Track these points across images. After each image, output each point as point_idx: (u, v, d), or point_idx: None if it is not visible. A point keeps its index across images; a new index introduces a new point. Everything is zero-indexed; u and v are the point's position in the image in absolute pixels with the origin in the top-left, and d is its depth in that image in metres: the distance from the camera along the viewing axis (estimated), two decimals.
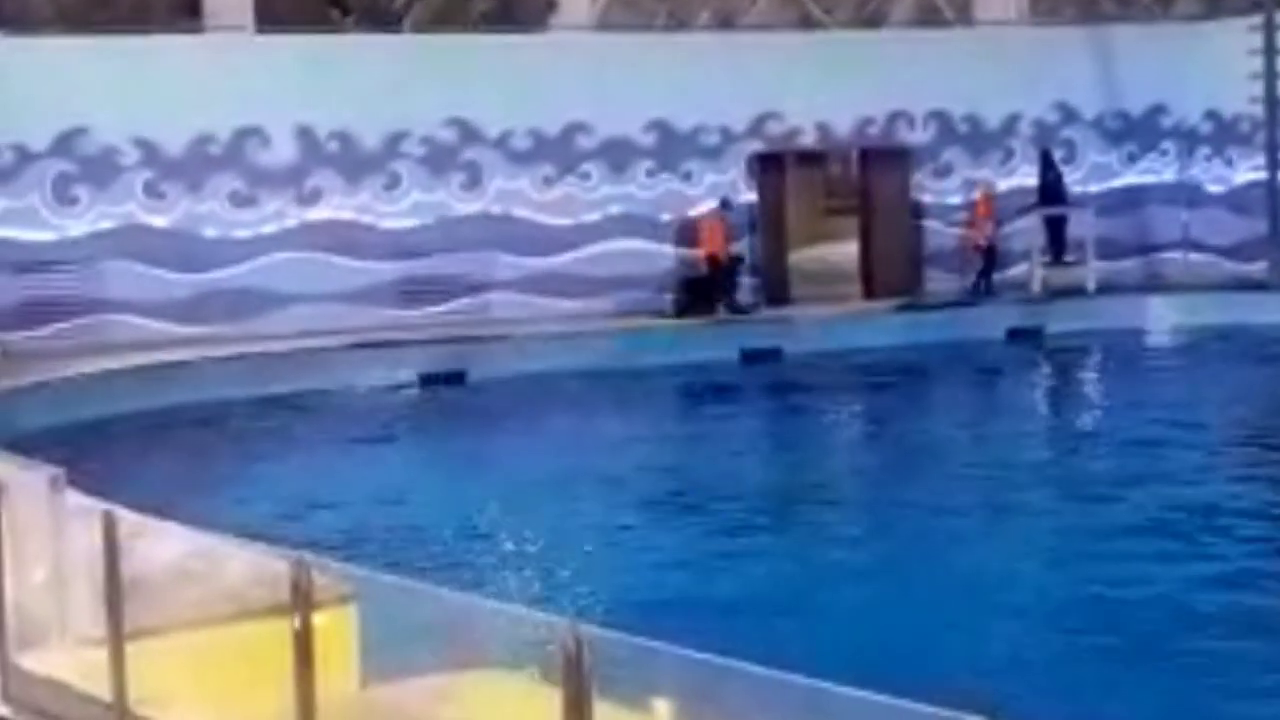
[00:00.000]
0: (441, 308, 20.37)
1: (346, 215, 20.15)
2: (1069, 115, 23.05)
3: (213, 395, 16.83)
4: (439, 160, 20.43)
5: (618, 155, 21.09)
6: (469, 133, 20.53)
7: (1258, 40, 21.70)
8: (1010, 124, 22.79)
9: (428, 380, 18.27)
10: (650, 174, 21.30)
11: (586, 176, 21.03)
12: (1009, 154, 22.77)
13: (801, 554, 11.19)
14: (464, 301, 20.50)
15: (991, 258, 21.75)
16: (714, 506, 12.47)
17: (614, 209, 21.12)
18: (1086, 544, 11.13)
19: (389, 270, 20.20)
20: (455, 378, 18.39)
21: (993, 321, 20.73)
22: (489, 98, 20.31)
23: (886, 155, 22.34)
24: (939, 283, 22.24)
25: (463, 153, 20.54)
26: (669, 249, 21.30)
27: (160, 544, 6.08)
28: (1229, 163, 23.14)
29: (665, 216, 21.33)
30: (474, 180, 20.59)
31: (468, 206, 20.58)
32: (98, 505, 6.14)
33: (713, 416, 17.25)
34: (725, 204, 21.11)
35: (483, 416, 17.04)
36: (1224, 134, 23.14)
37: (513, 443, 15.68)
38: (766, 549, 11.37)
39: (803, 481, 13.92)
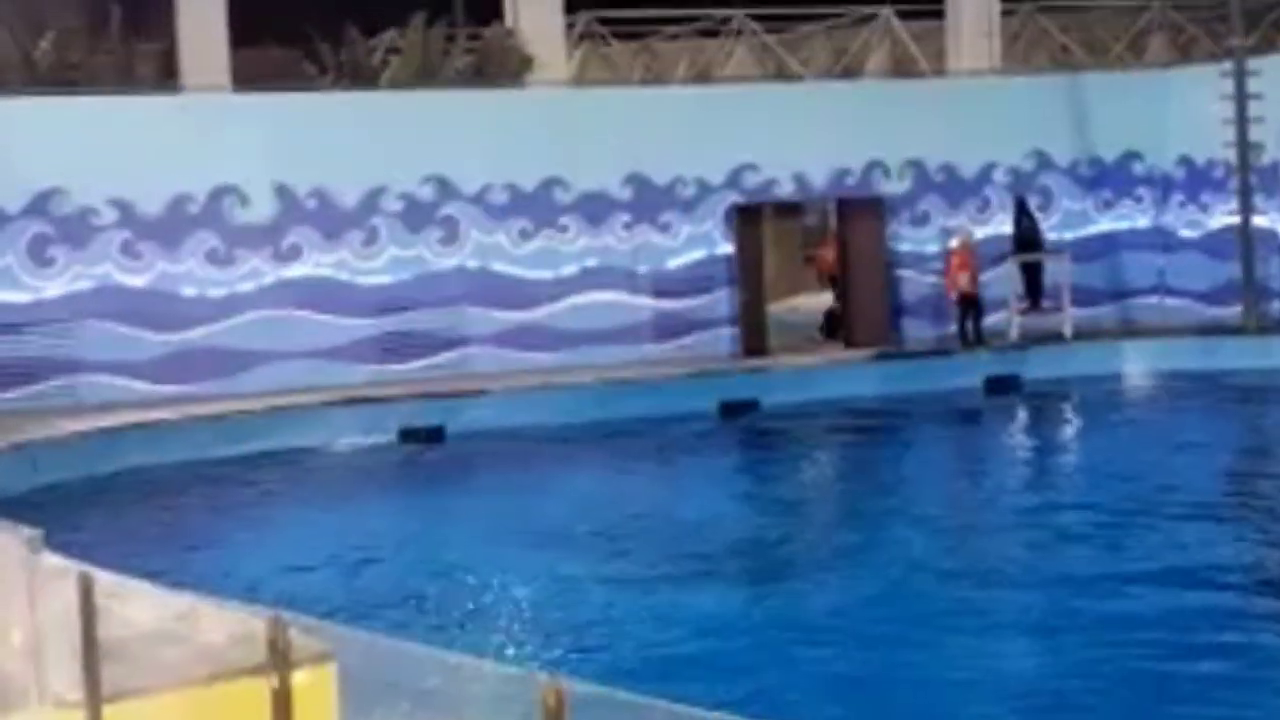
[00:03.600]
0: (420, 363, 20.37)
1: (324, 272, 20.16)
2: (1044, 163, 23.20)
3: (190, 455, 16.77)
4: (416, 216, 20.48)
5: (595, 208, 21.17)
6: (446, 188, 20.59)
7: (1229, 86, 21.89)
8: (986, 173, 22.94)
9: (407, 436, 18.23)
10: (627, 226, 21.38)
11: (564, 229, 21.10)
12: (985, 202, 22.90)
13: (777, 612, 11.13)
14: (443, 356, 20.50)
15: (975, 306, 21.79)
16: (683, 562, 12.34)
17: (591, 261, 21.18)
18: (1062, 592, 11.12)
19: (367, 326, 20.20)
20: (434, 433, 18.35)
21: (971, 369, 20.77)
22: (466, 153, 20.39)
23: (862, 205, 22.45)
24: (917, 332, 22.31)
25: (440, 208, 20.59)
26: (647, 300, 21.35)
27: (137, 605, 6.03)
28: (1203, 208, 23.31)
29: (642, 268, 21.39)
30: (451, 235, 20.64)
31: (445, 261, 20.62)
32: (75, 567, 6.09)
33: (690, 469, 17.19)
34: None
35: (460, 472, 16.99)
36: (1197, 180, 23.31)
37: (490, 499, 15.63)
38: (735, 605, 11.29)
39: (778, 536, 13.85)
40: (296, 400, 18.53)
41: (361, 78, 21.31)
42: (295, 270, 20.03)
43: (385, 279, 20.36)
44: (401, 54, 21.66)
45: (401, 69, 21.49)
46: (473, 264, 20.70)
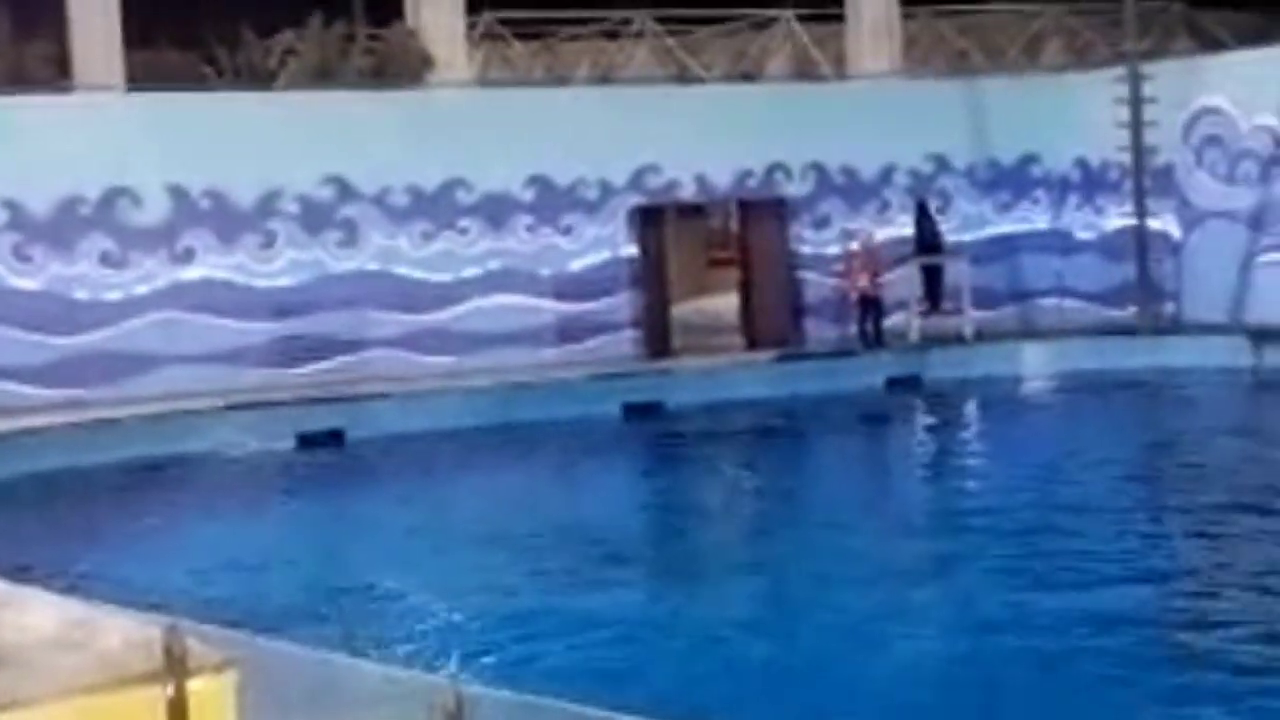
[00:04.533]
0: (319, 366, 20.11)
1: (221, 274, 19.85)
2: (943, 166, 23.40)
3: (81, 461, 16.41)
4: (315, 218, 20.22)
5: (497, 210, 21.03)
6: (346, 190, 20.35)
7: (1124, 90, 22.21)
8: (885, 175, 23.09)
9: (305, 440, 17.98)
10: (530, 229, 21.26)
11: (465, 232, 20.94)
12: (885, 204, 23.05)
13: (681, 614, 11.07)
14: (342, 360, 20.26)
15: (876, 307, 21.92)
16: (585, 565, 12.25)
17: (493, 264, 21.04)
18: (957, 593, 11.18)
19: (265, 329, 19.91)
20: (334, 437, 18.12)
21: (872, 370, 20.90)
22: (366, 155, 20.17)
23: (764, 207, 22.51)
24: (819, 332, 22.40)
25: (340, 210, 20.36)
26: (550, 303, 21.26)
27: (31, 612, 5.86)
28: (1099, 210, 23.63)
29: (545, 271, 21.29)
30: (351, 237, 20.41)
31: (345, 264, 20.38)
32: None
33: (591, 471, 17.12)
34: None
35: (360, 477, 16.78)
36: (1093, 182, 23.63)
37: (391, 503, 15.44)
38: (638, 607, 11.21)
39: (677, 536, 13.83)
40: (191, 404, 18.21)
41: (258, 79, 21.01)
42: (190, 273, 19.70)
43: (283, 281, 20.08)
44: (299, 55, 21.38)
45: (300, 70, 21.22)
46: (373, 266, 20.47)
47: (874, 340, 21.75)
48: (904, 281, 22.38)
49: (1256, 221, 21.75)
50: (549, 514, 14.60)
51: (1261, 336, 20.74)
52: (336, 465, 17.43)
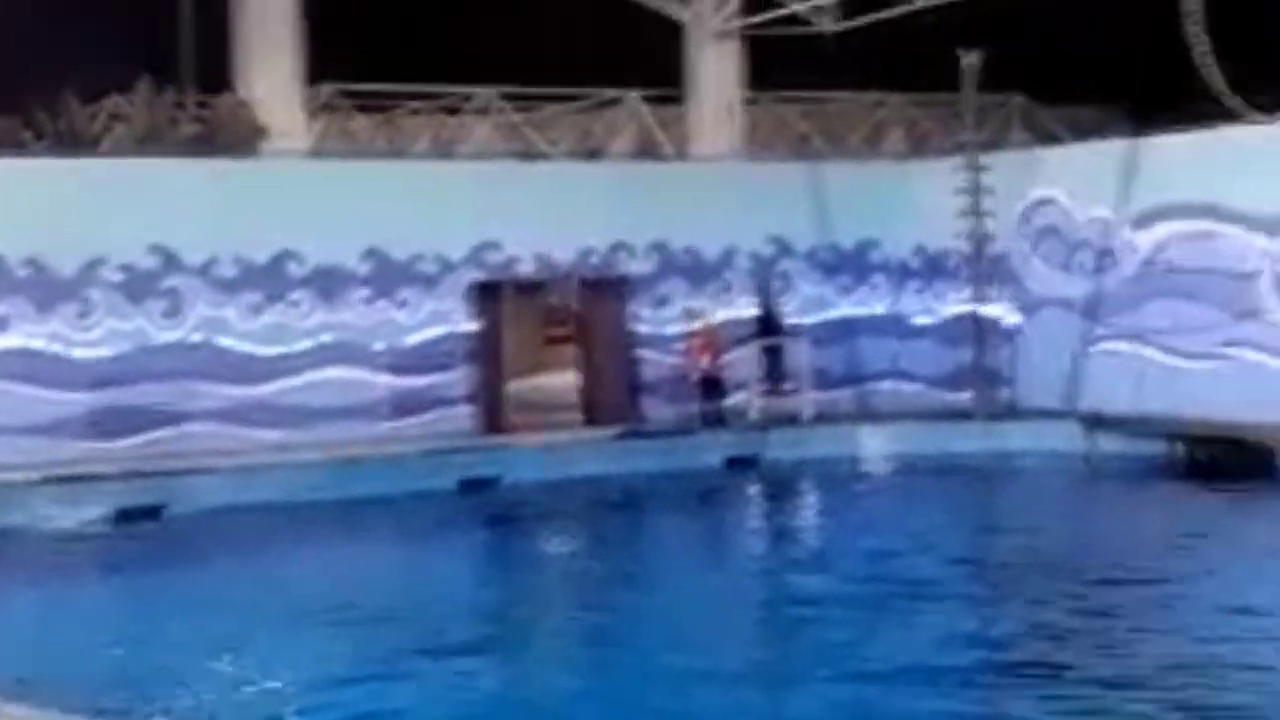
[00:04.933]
0: (139, 439, 19.37)
1: (37, 344, 19.08)
2: (784, 248, 23.46)
3: None
4: (138, 287, 19.58)
5: (330, 283, 20.56)
6: (170, 259, 19.75)
7: (963, 179, 22.50)
8: (727, 256, 23.06)
9: (123, 515, 17.26)
10: (366, 302, 20.82)
11: (297, 304, 20.42)
12: (727, 285, 23.00)
13: (508, 692, 10.76)
14: (164, 432, 19.55)
15: (717, 387, 21.82)
16: (413, 642, 11.92)
17: (326, 337, 20.53)
18: (781, 672, 11.00)
19: (82, 401, 19.15)
20: (152, 512, 17.44)
21: (712, 449, 20.76)
22: (192, 223, 19.62)
23: (605, 285, 22.33)
24: (657, 411, 22.20)
25: (163, 279, 19.73)
26: (384, 377, 20.79)
27: None
28: (937, 296, 23.85)
29: (380, 345, 20.83)
30: (175, 307, 19.78)
31: (168, 334, 19.73)
32: None
33: (426, 547, 16.64)
34: None
35: (179, 554, 16.12)
36: (932, 268, 23.86)
37: (211, 581, 14.84)
38: (464, 685, 10.87)
39: (512, 616, 13.46)
40: (7, 477, 17.43)
41: (81, 144, 20.38)
42: (6, 342, 18.92)
43: (102, 352, 19.36)
44: (126, 120, 20.80)
45: (126, 135, 20.64)
46: (197, 337, 19.85)
47: (714, 420, 21.61)
48: (745, 362, 22.30)
49: (1090, 310, 22.08)
50: (372, 591, 14.18)
51: (1094, 423, 20.98)
52: (153, 541, 16.75)
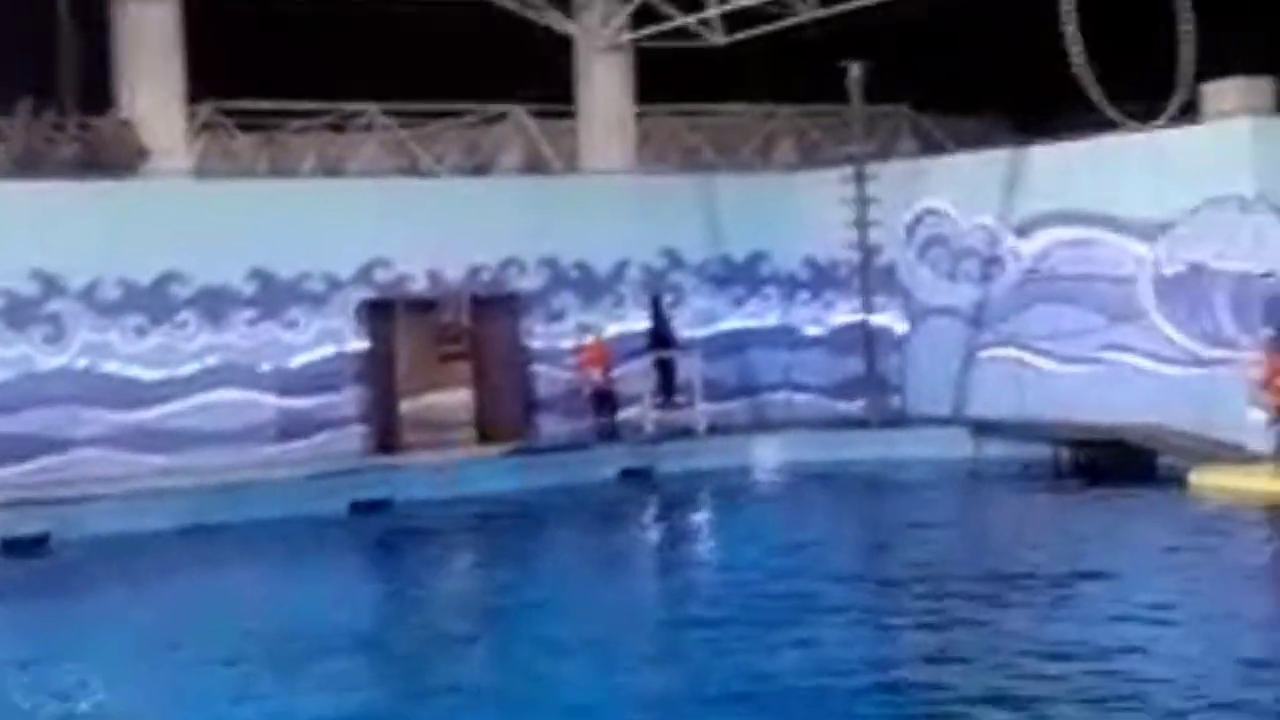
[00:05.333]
0: (23, 467, 19.06)
1: None
2: (676, 261, 23.54)
3: None
4: (19, 313, 19.28)
5: (216, 304, 20.35)
6: (52, 284, 19.46)
7: (850, 190, 22.71)
8: (619, 270, 23.10)
9: (8, 545, 16.99)
10: (251, 323, 20.63)
11: (182, 326, 20.20)
12: (619, 299, 23.04)
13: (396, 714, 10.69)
14: (48, 460, 19.25)
15: (610, 400, 21.86)
16: (303, 666, 11.89)
17: (212, 359, 20.32)
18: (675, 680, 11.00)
19: None
20: (38, 542, 17.16)
21: (606, 463, 20.81)
22: (74, 247, 19.35)
23: (497, 302, 22.29)
24: (553, 427, 22.19)
25: (45, 305, 19.44)
26: (272, 399, 20.61)
27: None
28: (827, 306, 24.04)
29: (267, 366, 20.65)
30: (58, 333, 19.49)
31: (51, 360, 19.44)
32: None
33: (317, 571, 16.50)
34: None
35: (68, 583, 15.87)
36: (822, 279, 24.06)
37: (102, 611, 14.66)
38: (353, 709, 10.83)
39: (403, 638, 13.40)
40: None
41: None
42: None
43: None
44: (4, 142, 20.47)
45: (4, 158, 20.29)
46: (81, 363, 19.57)
47: (608, 434, 21.64)
48: (638, 375, 22.36)
49: (976, 318, 22.38)
50: (267, 614, 14.08)
51: (981, 429, 21.26)
52: (40, 571, 16.48)
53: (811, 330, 24.14)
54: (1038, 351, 21.53)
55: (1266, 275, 19.01)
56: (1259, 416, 18.55)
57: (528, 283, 22.46)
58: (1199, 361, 19.65)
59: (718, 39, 24.73)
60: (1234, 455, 18.55)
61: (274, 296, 20.74)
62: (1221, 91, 19.93)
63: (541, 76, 24.17)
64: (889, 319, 23.21)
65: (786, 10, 23.72)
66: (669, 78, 24.58)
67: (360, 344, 21.22)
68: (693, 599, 14.45)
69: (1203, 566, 14.51)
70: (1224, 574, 14.30)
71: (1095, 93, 20.99)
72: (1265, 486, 17.48)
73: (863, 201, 22.72)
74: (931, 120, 26.98)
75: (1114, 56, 20.66)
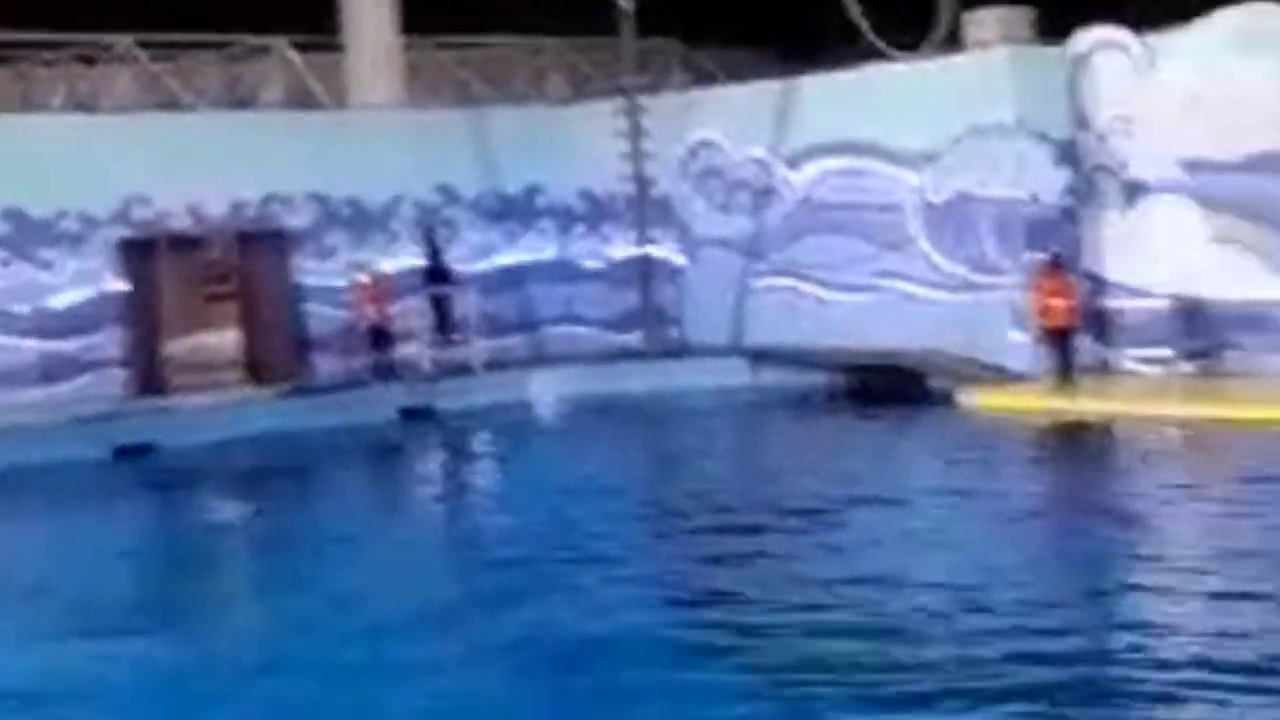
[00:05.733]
0: None
1: None
2: (450, 197, 23.19)
3: None
4: None
5: None
6: None
7: (624, 123, 22.61)
8: (392, 206, 22.64)
9: None
10: (4, 263, 19.66)
11: None
12: (393, 236, 22.59)
13: (168, 663, 10.31)
14: None
15: (386, 338, 21.45)
16: (68, 617, 11.45)
17: None
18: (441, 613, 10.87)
19: None
20: None
21: (384, 402, 20.43)
22: None
23: (264, 239, 21.64)
24: (329, 366, 21.69)
25: None
26: (29, 342, 19.69)
27: None
28: (604, 240, 23.96)
29: (22, 308, 19.71)
30: None
31: None
32: None
33: (79, 519, 15.83)
34: None
35: None
36: (598, 212, 23.96)
37: None
38: (125, 657, 10.40)
39: (152, 586, 12.93)
40: None
41: None
42: None
43: None
44: None
45: None
46: None
47: (385, 372, 21.25)
48: (414, 312, 21.97)
49: (751, 249, 22.53)
50: (28, 563, 13.45)
51: (758, 358, 21.47)
52: None
53: (589, 263, 24.05)
54: (812, 280, 21.79)
55: (1028, 200, 19.51)
56: (1020, 339, 19.13)
57: (297, 220, 21.86)
58: (967, 286, 20.11)
59: None
60: (998, 376, 19.08)
61: (27, 237, 19.81)
62: (982, 21, 20.30)
63: (304, 9, 23.44)
64: (666, 251, 23.24)
65: None
66: (436, 11, 24.07)
67: (120, 284, 20.40)
68: (477, 540, 14.18)
69: (970, 477, 14.89)
70: (991, 483, 14.66)
71: (862, 23, 21.24)
72: (1026, 404, 18.04)
73: (636, 134, 22.65)
74: (703, 53, 26.98)
75: None
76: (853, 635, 9.71)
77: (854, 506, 13.68)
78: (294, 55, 23.72)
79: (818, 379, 20.55)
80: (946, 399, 18.78)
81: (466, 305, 22.23)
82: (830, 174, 21.56)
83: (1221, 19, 18.43)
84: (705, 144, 23.01)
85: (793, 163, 21.96)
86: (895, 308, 20.72)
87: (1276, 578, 10.49)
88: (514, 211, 23.77)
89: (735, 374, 21.23)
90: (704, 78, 25.50)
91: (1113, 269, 19.40)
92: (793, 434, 18.70)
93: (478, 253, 23.33)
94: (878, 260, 21.06)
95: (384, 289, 21.67)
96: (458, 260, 22.92)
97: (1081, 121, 19.59)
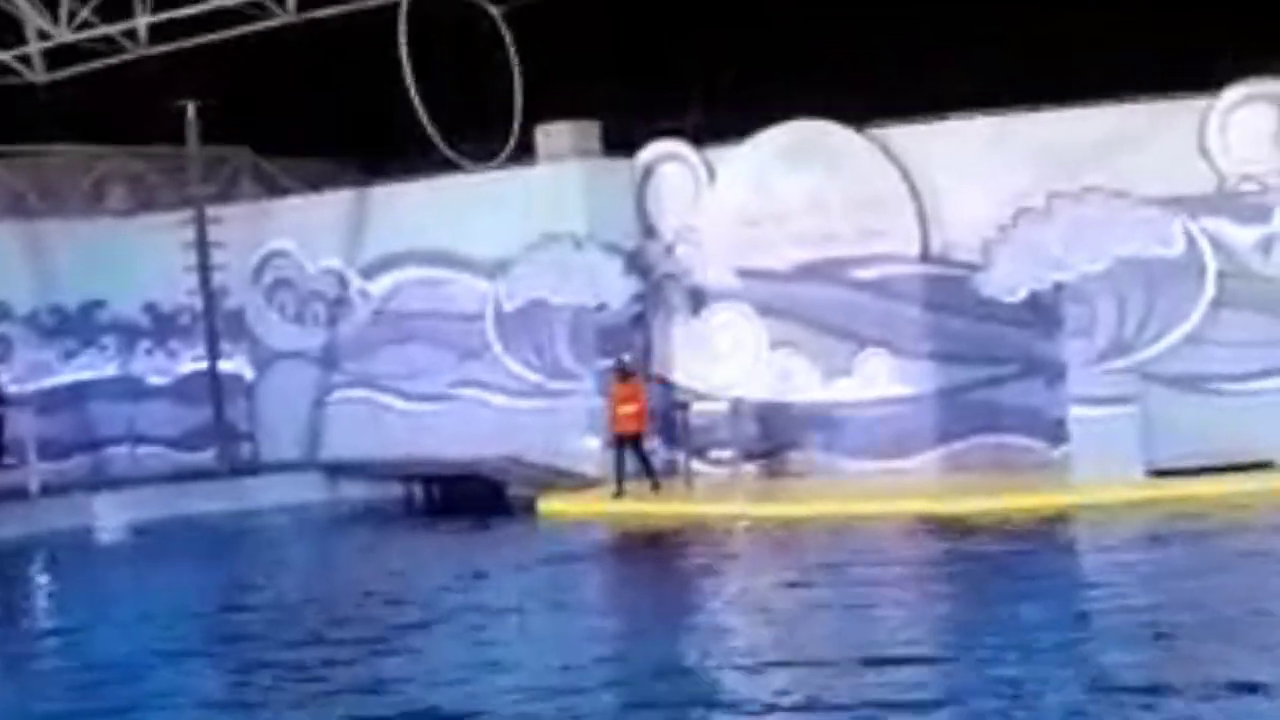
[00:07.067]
0: None
1: None
2: (3, 313, 21.92)
3: None
4: None
5: None
6: None
7: (191, 234, 21.90)
8: None
9: None
10: None
11: None
12: None
13: None
14: None
15: None
16: None
17: None
18: None
19: None
20: None
21: None
22: None
23: None
24: None
25: None
26: None
27: None
28: (171, 354, 23.09)
29: None
30: None
31: None
32: None
33: None
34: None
35: None
36: (165, 326, 23.09)
37: None
38: None
39: None
40: None
41: None
42: None
43: None
44: None
45: None
46: None
47: None
48: None
49: (326, 360, 22.12)
50: None
51: (335, 471, 21.01)
52: None
53: (155, 380, 23.12)
54: (390, 391, 21.54)
55: (599, 308, 19.87)
56: (596, 444, 19.37)
57: None
58: (543, 393, 20.25)
59: (39, 76, 23.18)
60: (577, 483, 19.22)
61: None
62: (553, 133, 20.68)
63: None
64: (237, 364, 22.55)
65: (114, 48, 22.57)
66: None
67: None
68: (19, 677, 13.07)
69: (545, 585, 14.80)
70: (562, 590, 14.60)
71: (434, 134, 21.29)
72: (600, 509, 18.23)
73: (203, 245, 21.97)
74: (274, 163, 26.46)
75: (453, 98, 21.00)
76: None
77: (406, 631, 13.12)
78: None
79: (398, 491, 20.22)
80: (527, 507, 18.75)
81: (20, 426, 20.88)
82: (405, 284, 21.43)
83: (770, 135, 19.37)
84: (278, 254, 22.56)
85: (367, 273, 21.73)
86: (475, 416, 20.67)
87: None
88: (72, 327, 22.66)
89: (312, 489, 20.74)
90: (276, 188, 25.00)
91: (681, 373, 19.93)
92: (366, 549, 18.09)
93: (33, 371, 22.08)
94: (456, 369, 21.01)
95: None
96: (11, 379, 21.60)
97: (649, 231, 20.16)
